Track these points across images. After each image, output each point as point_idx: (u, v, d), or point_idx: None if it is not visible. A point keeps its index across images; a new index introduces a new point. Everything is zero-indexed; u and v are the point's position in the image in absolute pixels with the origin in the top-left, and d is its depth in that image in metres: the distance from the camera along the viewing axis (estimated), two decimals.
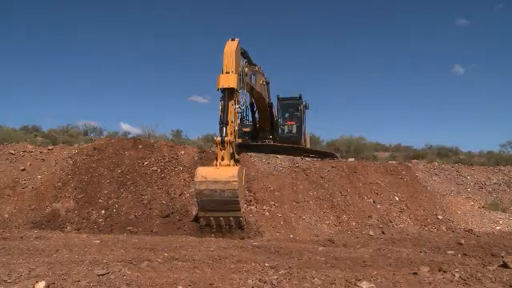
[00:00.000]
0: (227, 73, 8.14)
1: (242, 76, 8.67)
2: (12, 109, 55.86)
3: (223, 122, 7.80)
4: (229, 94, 8.02)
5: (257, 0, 70.07)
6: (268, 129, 13.99)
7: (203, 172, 7.28)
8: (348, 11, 71.43)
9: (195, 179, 7.24)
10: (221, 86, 8.01)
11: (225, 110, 7.88)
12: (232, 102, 8.02)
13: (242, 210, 7.61)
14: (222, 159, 7.63)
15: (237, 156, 8.28)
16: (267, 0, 71.31)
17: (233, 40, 8.74)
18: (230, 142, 7.68)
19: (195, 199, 7.58)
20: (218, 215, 7.41)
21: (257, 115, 14.01)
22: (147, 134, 18.99)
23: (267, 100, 13.07)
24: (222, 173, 7.23)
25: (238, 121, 8.60)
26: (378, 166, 11.15)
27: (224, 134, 7.68)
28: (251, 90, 10.68)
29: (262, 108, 13.21)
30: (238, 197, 7.15)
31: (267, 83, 12.80)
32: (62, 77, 63.51)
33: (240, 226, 7.64)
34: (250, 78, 10.04)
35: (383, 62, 69.63)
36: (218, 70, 8.33)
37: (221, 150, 7.64)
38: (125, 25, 67.14)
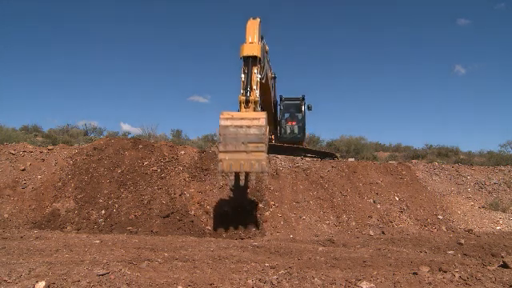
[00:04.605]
0: (251, 43, 8.22)
1: (262, 51, 8.61)
2: (12, 109, 55.80)
3: (246, 89, 7.83)
4: (253, 62, 8.07)
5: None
6: (271, 127, 13.88)
7: (229, 113, 7.16)
8: (346, 11, 71.40)
9: (220, 116, 7.01)
10: (245, 54, 8.02)
11: (248, 77, 7.94)
12: (255, 69, 8.06)
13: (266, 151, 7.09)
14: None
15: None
16: None
17: (254, 18, 8.73)
18: (255, 102, 7.74)
19: (218, 137, 7.10)
20: (240, 157, 6.82)
21: None
22: (147, 134, 18.99)
23: (272, 96, 12.78)
24: (248, 113, 7.25)
25: (259, 91, 8.38)
26: (377, 166, 11.15)
27: (248, 95, 7.71)
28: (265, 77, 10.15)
29: (267, 103, 12.91)
30: (264, 135, 6.82)
31: (274, 78, 12.47)
32: (62, 77, 63.42)
33: (262, 171, 7.08)
34: (268, 61, 9.88)
35: (383, 62, 69.56)
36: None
37: (245, 108, 7.69)
38: (125, 24, 67.15)
